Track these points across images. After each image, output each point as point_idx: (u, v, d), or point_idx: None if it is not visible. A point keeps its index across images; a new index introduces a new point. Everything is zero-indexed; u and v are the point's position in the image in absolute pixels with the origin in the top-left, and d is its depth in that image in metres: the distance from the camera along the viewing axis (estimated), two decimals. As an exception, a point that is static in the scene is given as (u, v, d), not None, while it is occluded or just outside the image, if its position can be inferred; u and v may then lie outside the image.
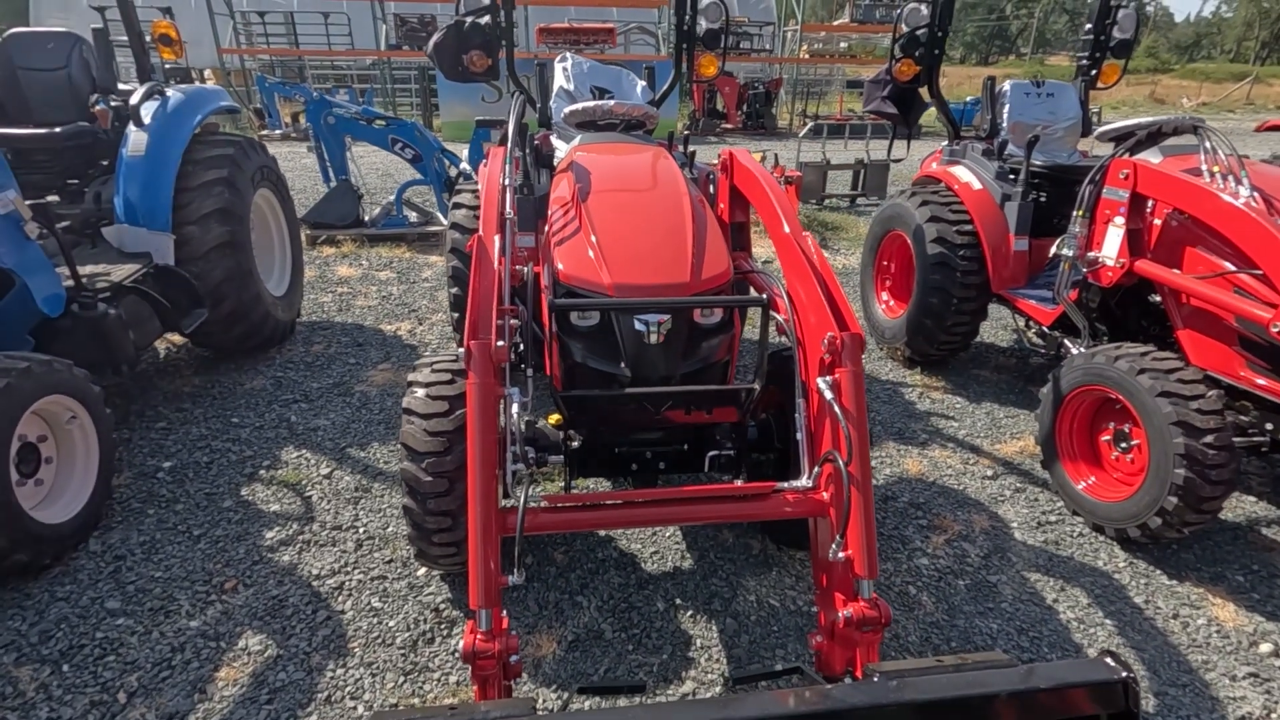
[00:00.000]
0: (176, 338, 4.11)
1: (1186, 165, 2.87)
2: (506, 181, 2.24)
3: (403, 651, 2.16)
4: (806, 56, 19.30)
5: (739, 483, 2.02)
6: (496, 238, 2.05)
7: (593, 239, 2.12)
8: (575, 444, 2.18)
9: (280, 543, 2.62)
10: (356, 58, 18.89)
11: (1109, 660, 1.51)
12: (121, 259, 3.37)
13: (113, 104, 3.68)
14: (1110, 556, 2.69)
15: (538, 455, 2.15)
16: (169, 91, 3.70)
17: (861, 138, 9.48)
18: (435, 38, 4.05)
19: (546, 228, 2.39)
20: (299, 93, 13.36)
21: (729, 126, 16.73)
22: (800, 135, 8.58)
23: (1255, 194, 2.59)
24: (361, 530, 2.70)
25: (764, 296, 1.94)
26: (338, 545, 2.61)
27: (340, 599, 2.36)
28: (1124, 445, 2.75)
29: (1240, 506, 3.00)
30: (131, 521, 2.71)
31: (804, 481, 1.89)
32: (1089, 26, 4.32)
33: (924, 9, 4.14)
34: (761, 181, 2.44)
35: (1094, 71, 4.34)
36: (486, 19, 3.91)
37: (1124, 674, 1.48)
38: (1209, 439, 2.36)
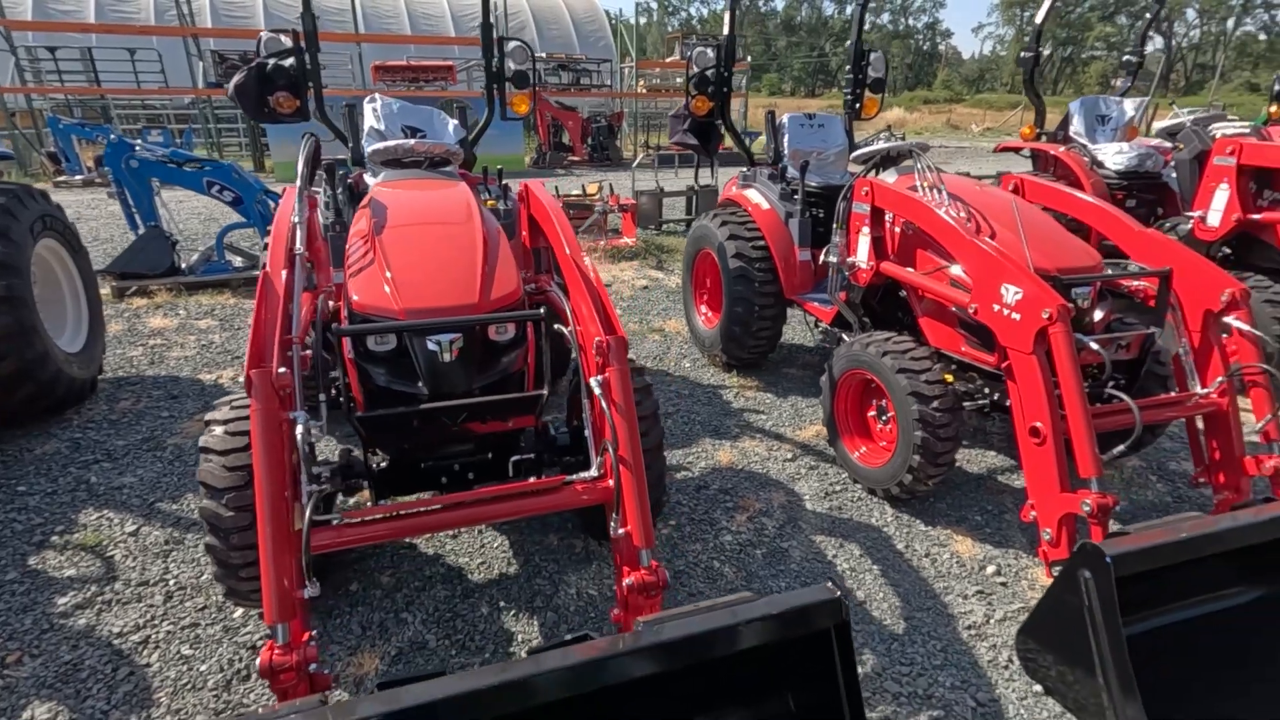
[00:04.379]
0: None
1: (911, 182, 3.47)
2: (297, 219, 2.32)
3: (215, 693, 2.13)
4: (644, 91, 20.36)
5: (532, 480, 2.21)
6: (284, 271, 2.13)
7: (386, 268, 2.26)
8: (385, 464, 2.28)
9: (76, 607, 2.47)
10: (172, 96, 17.60)
11: (829, 585, 1.85)
12: None
13: None
14: (881, 514, 3.16)
15: (353, 480, 2.23)
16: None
17: (691, 165, 10.18)
18: (236, 79, 4.02)
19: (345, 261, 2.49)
20: (101, 134, 12.26)
21: (576, 159, 17.23)
22: (634, 166, 9.11)
23: (956, 202, 3.20)
24: (172, 582, 2.60)
25: (539, 310, 2.16)
26: (144, 600, 2.51)
27: (145, 653, 2.27)
28: (884, 418, 3.25)
29: (983, 460, 3.61)
30: (-112, 610, 2.45)
31: (592, 472, 2.12)
32: (848, 68, 5.05)
33: (710, 52, 4.66)
34: (549, 209, 2.70)
35: (857, 105, 5.07)
36: (290, 60, 3.94)
37: (837, 594, 1.83)
38: (935, 404, 2.87)
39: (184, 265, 6.35)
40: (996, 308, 2.71)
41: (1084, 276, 2.89)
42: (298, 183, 2.45)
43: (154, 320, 5.45)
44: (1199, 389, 2.86)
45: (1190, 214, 4.71)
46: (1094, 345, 2.56)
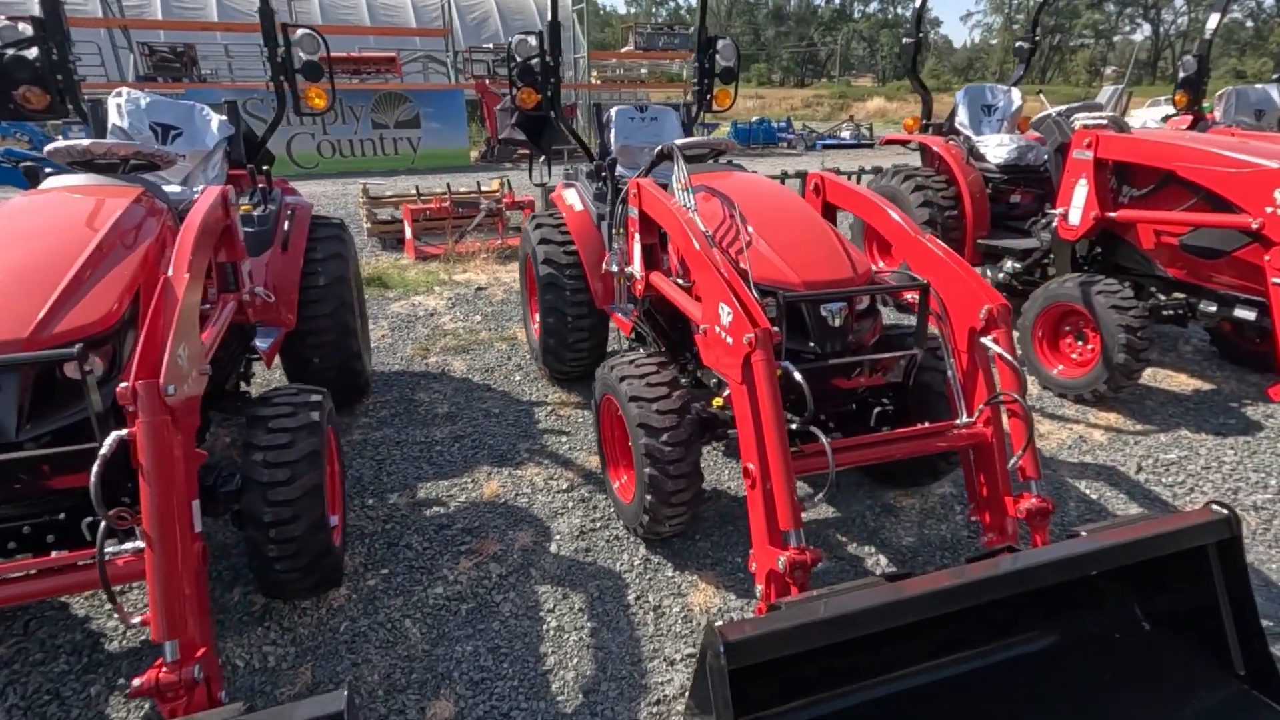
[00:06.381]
0: None
1: (702, 182, 3.11)
2: None
3: None
4: (598, 82, 19.90)
5: (65, 552, 1.86)
6: None
7: (-66, 297, 1.91)
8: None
9: None
10: (97, 90, 17.16)
11: (341, 693, 1.50)
12: None
13: None
14: (631, 556, 2.81)
15: None
16: None
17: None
18: (-38, 73, 3.63)
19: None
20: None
21: (526, 153, 16.83)
22: (539, 161, 8.71)
23: (725, 206, 2.84)
24: None
25: (73, 350, 1.80)
26: None
27: None
28: (642, 448, 2.90)
29: (777, 490, 3.26)
30: None
31: (138, 544, 1.77)
32: (694, 57, 4.67)
33: (532, 40, 4.29)
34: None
35: (707, 96, 4.69)
36: (35, 51, 3.57)
37: (340, 707, 1.48)
38: (665, 437, 2.52)
39: None
40: (717, 329, 2.37)
41: (833, 291, 2.54)
42: None
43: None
44: (964, 417, 2.51)
45: (1053, 211, 4.36)
46: (797, 376, 2.21)
